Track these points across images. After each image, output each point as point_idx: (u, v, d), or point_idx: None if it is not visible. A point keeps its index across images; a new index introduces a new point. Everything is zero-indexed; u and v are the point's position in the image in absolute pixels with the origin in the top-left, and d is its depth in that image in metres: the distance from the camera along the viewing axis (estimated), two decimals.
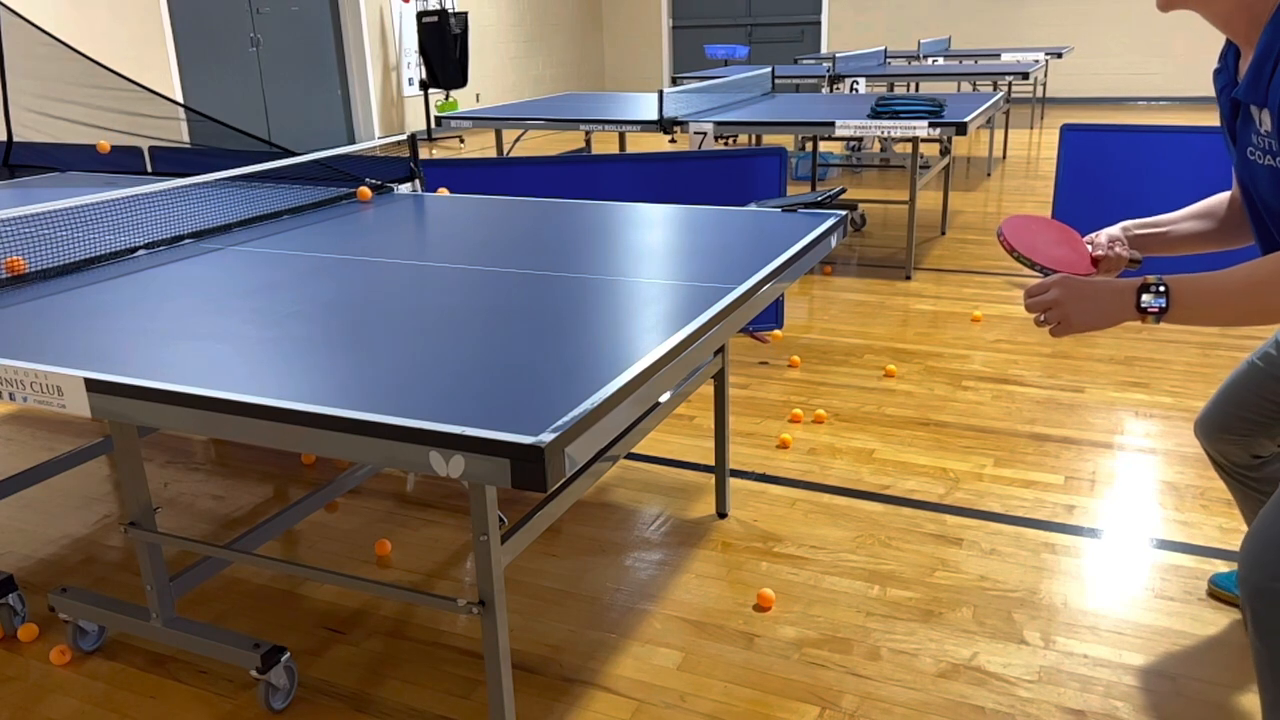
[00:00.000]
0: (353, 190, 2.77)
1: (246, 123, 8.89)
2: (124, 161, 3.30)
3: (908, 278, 4.81)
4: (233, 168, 2.58)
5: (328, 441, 1.28)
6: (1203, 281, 1.34)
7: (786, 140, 8.71)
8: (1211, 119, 9.83)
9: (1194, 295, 1.34)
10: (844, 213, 2.38)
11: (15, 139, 3.48)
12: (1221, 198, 1.74)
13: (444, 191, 2.71)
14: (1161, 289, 1.35)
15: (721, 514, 2.59)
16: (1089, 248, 1.72)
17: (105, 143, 3.26)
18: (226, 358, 1.50)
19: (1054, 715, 1.84)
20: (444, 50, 10.08)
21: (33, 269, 2.01)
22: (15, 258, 2.01)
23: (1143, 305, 1.35)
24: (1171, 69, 11.74)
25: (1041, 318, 1.45)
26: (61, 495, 2.83)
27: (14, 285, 1.95)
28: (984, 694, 1.89)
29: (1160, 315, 1.36)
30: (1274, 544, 1.44)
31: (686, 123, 4.85)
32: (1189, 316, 1.36)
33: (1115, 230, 1.73)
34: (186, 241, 2.31)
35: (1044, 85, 10.64)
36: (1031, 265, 1.57)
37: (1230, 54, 1.51)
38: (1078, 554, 2.36)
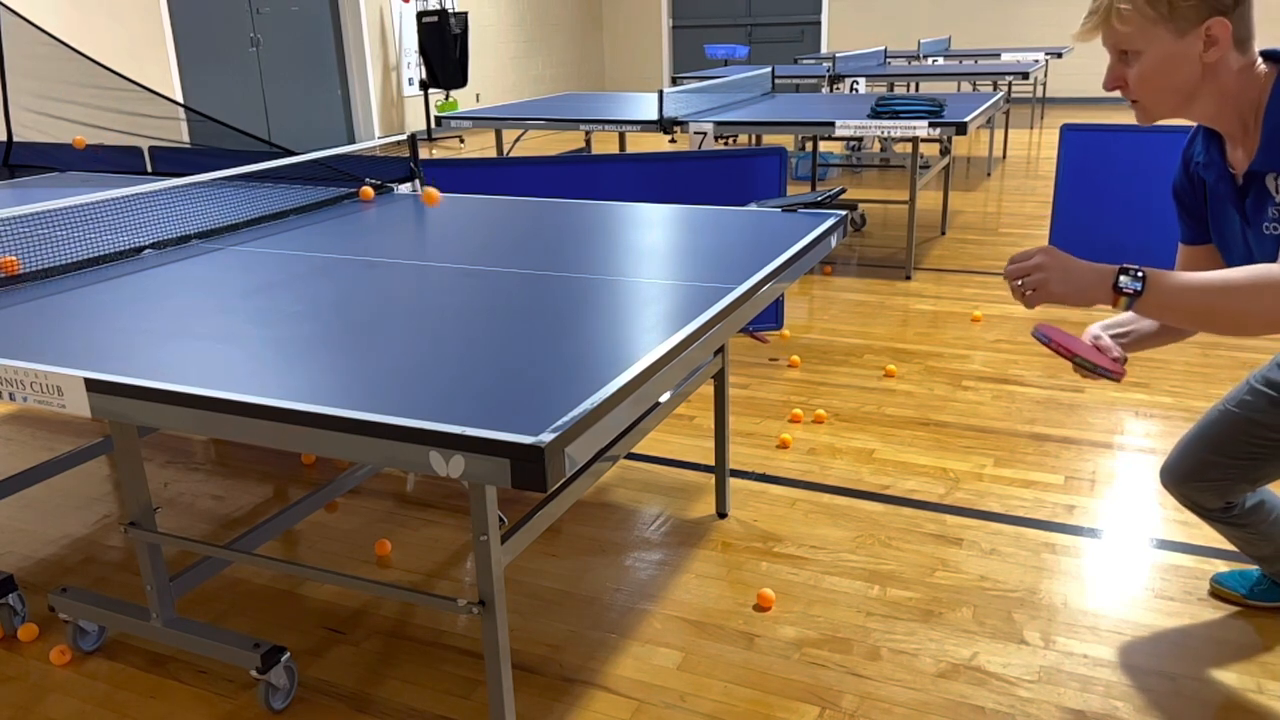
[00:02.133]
0: (353, 190, 2.77)
1: (246, 123, 8.89)
2: (124, 161, 3.30)
3: (908, 278, 4.81)
4: (233, 168, 2.58)
5: (328, 441, 1.28)
6: (1180, 276, 1.37)
7: (786, 140, 8.71)
8: None
9: (1168, 286, 1.36)
10: (844, 213, 2.38)
11: (15, 139, 3.48)
12: None
13: (433, 195, 2.63)
14: (1139, 274, 1.37)
15: (721, 514, 2.59)
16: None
17: (81, 138, 3.26)
18: (226, 358, 1.50)
19: (1054, 715, 1.84)
20: (444, 50, 10.08)
21: (32, 269, 2.01)
22: (8, 257, 2.01)
23: (1119, 285, 1.37)
24: None
25: (1019, 282, 1.45)
26: (61, 495, 2.83)
27: (13, 285, 1.95)
28: (984, 694, 1.89)
29: (1133, 299, 1.37)
30: None
31: (686, 123, 4.85)
32: (1160, 306, 1.37)
33: (1096, 329, 1.76)
34: (187, 242, 2.31)
35: (1044, 85, 10.64)
36: (1093, 368, 1.57)
37: (1213, 148, 1.59)
38: (1078, 554, 2.36)
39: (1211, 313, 1.35)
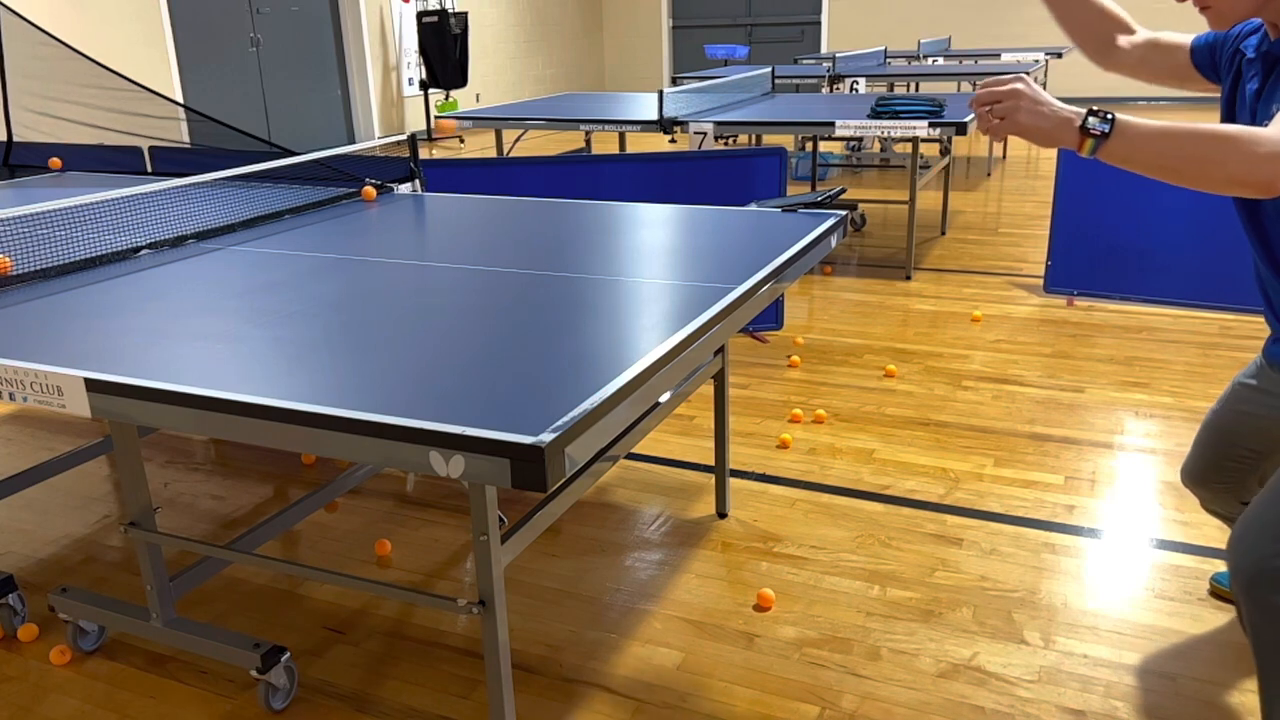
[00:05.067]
0: (353, 190, 2.77)
1: (246, 123, 8.89)
2: (124, 161, 3.30)
3: (908, 278, 4.81)
4: (233, 168, 2.58)
5: (328, 441, 1.28)
6: (1147, 122, 1.35)
7: (786, 140, 8.71)
8: (1212, 118, 9.81)
9: (1136, 130, 1.34)
10: (844, 213, 2.38)
11: (15, 139, 3.48)
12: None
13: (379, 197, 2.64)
14: (1108, 116, 1.35)
15: (721, 514, 2.59)
16: None
17: (57, 160, 3.29)
18: (226, 358, 1.50)
19: (1054, 715, 1.83)
20: (444, 50, 10.08)
21: (32, 269, 2.01)
22: (1, 257, 2.00)
23: (1087, 126, 1.35)
24: None
25: (988, 108, 1.41)
26: (61, 495, 2.83)
27: (14, 285, 1.95)
28: (984, 694, 1.89)
29: (1100, 141, 1.35)
30: (1267, 526, 1.47)
31: (686, 123, 4.85)
32: (1126, 149, 1.35)
33: None
34: (187, 242, 2.31)
35: (1044, 85, 10.63)
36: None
37: (1263, 40, 1.57)
38: (1078, 554, 2.36)
39: (1174, 159, 1.33)
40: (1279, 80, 1.49)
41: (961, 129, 4.40)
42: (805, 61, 9.65)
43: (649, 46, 14.16)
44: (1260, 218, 1.59)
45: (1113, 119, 1.34)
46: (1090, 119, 1.35)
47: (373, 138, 10.07)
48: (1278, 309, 1.64)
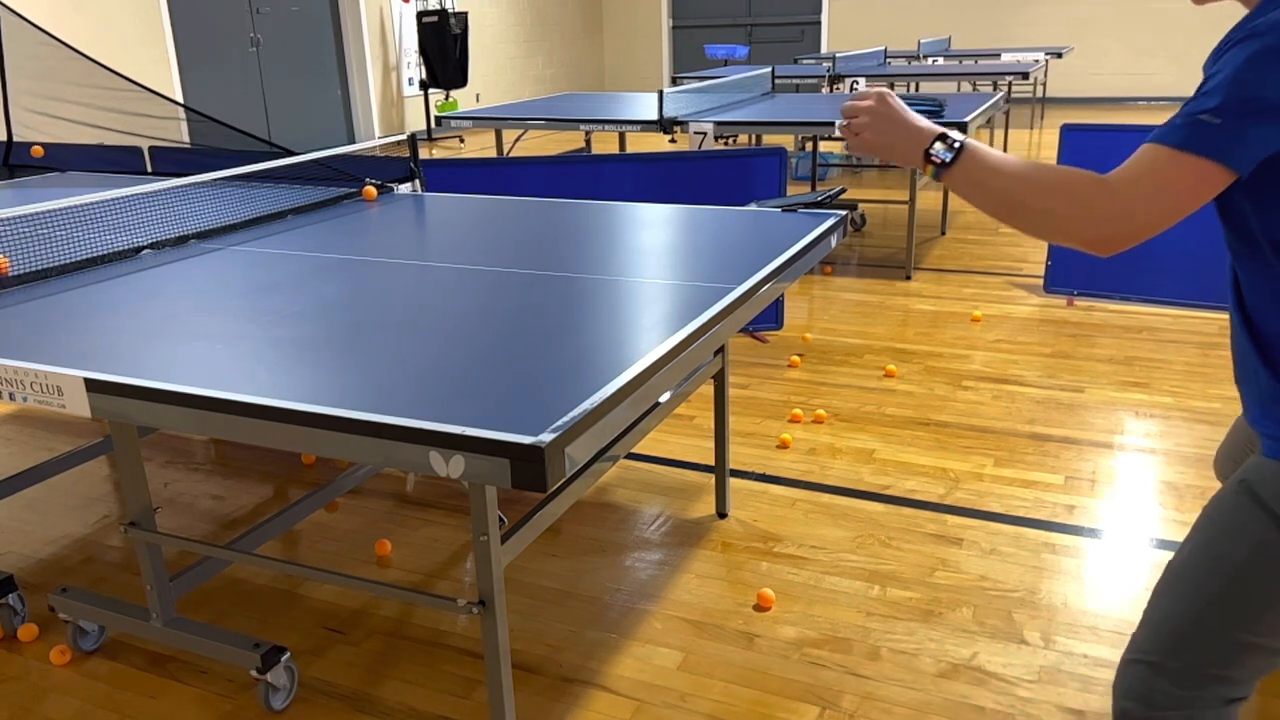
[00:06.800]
0: (353, 190, 2.77)
1: (246, 123, 8.89)
2: (124, 161, 3.30)
3: (908, 278, 4.81)
4: (233, 168, 2.58)
5: (328, 441, 1.28)
6: (998, 157, 1.25)
7: (786, 140, 8.70)
8: None
9: (981, 164, 1.24)
10: (844, 213, 2.38)
11: (15, 139, 3.48)
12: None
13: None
14: (956, 145, 1.26)
15: (721, 514, 2.59)
16: None
17: (39, 148, 3.30)
18: (226, 358, 1.50)
19: (1054, 715, 1.83)
20: (444, 50, 10.08)
21: (33, 269, 2.01)
22: None
23: (930, 151, 1.26)
24: (1171, 69, 11.74)
25: (846, 123, 1.35)
26: (61, 495, 2.83)
27: (13, 285, 1.95)
28: (984, 694, 1.89)
29: (941, 169, 1.26)
30: (1123, 666, 1.31)
31: (686, 123, 4.85)
32: (965, 182, 1.26)
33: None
34: (187, 242, 2.31)
35: (1044, 85, 10.63)
36: None
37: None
38: (1078, 554, 2.36)
39: (1012, 204, 1.22)
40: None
41: (963, 128, 4.40)
42: (805, 61, 9.65)
43: (649, 46, 14.16)
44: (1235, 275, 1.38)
45: (960, 147, 1.25)
46: (936, 144, 1.26)
47: (373, 138, 10.07)
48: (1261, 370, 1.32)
